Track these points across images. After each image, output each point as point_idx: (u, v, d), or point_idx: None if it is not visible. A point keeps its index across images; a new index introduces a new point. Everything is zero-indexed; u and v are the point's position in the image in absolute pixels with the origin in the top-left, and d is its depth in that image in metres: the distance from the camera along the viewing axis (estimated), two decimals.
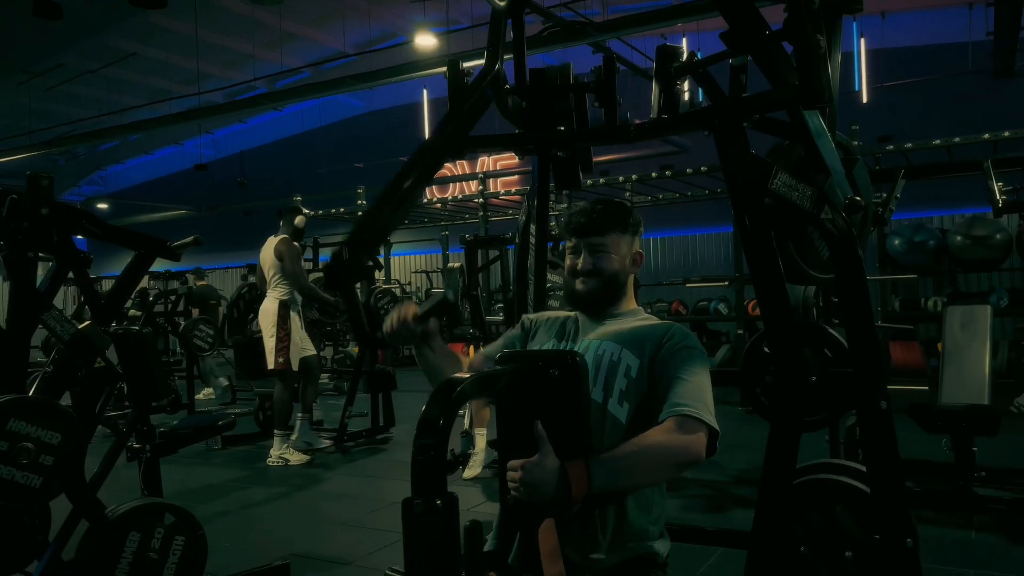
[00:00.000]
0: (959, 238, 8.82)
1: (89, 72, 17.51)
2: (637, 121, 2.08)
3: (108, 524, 2.74)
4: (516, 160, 16.61)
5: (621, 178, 8.66)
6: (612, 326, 1.83)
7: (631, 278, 1.91)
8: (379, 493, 5.01)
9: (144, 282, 17.73)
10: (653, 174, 8.46)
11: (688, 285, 9.49)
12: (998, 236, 8.65)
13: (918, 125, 10.68)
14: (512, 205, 11.01)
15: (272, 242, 6.09)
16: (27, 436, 2.50)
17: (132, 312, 9.50)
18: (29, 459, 2.51)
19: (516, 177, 15.48)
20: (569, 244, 1.88)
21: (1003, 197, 3.67)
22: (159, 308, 10.38)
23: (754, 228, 1.89)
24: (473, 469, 5.07)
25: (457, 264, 5.77)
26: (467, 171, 17.87)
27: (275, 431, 5.92)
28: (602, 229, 1.83)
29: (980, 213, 9.39)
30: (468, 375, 1.39)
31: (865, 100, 11.31)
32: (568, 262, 1.89)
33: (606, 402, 1.69)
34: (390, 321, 1.73)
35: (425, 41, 9.50)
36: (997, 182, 3.71)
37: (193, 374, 8.23)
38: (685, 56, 2.01)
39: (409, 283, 16.01)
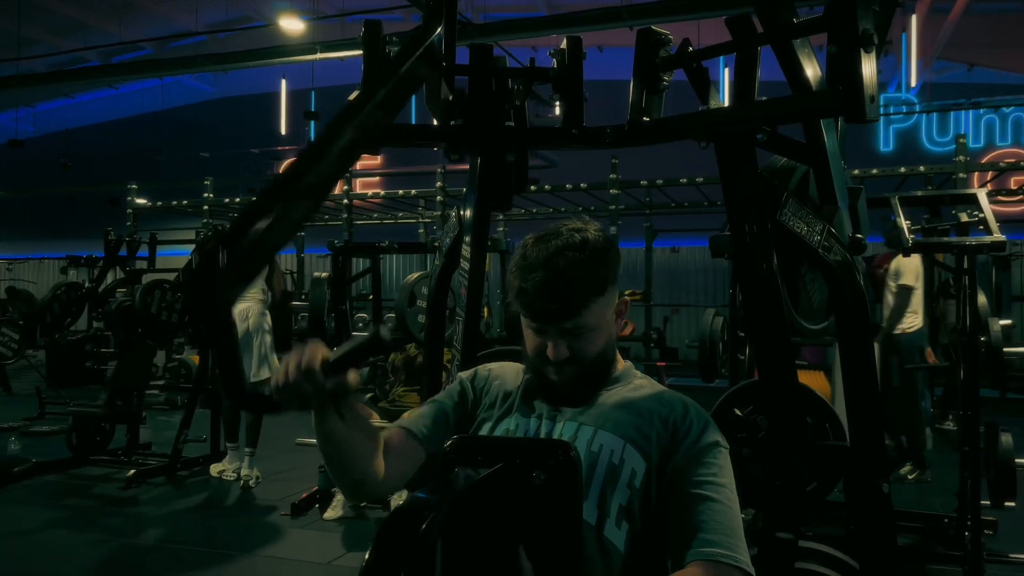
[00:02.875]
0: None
1: None
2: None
3: None
4: (378, 161, 15.89)
5: None
6: (603, 399, 1.34)
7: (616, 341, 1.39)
8: (210, 537, 4.27)
9: None
10: (532, 187, 8.13)
11: None
12: None
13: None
14: (376, 209, 10.35)
15: None
16: None
17: None
18: None
19: (377, 179, 14.79)
20: (526, 321, 1.33)
21: (912, 236, 3.57)
22: None
23: (759, 264, 1.50)
24: (335, 509, 4.45)
25: (324, 274, 5.13)
26: None
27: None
28: (577, 308, 1.26)
29: None
30: (421, 497, 0.88)
31: None
32: (529, 340, 1.33)
33: (601, 524, 1.20)
34: (283, 371, 1.07)
35: (291, 25, 8.68)
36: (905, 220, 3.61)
37: None
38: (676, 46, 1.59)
39: None
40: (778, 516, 1.55)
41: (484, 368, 1.48)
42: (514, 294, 1.29)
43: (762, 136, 1.44)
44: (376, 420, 4.70)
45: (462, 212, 1.70)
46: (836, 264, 1.60)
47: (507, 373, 1.45)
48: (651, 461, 1.25)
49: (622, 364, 1.41)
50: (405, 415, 1.40)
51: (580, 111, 1.64)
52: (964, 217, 3.65)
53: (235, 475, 5.40)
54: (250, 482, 5.24)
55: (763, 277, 1.51)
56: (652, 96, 1.59)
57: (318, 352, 1.07)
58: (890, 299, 5.09)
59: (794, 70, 1.44)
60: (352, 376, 1.10)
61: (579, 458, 1.09)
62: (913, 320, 5.08)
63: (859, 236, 1.70)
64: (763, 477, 1.61)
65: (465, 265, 1.67)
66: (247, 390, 1.22)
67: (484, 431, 1.36)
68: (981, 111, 13.51)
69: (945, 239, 3.81)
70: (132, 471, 5.35)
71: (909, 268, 4.98)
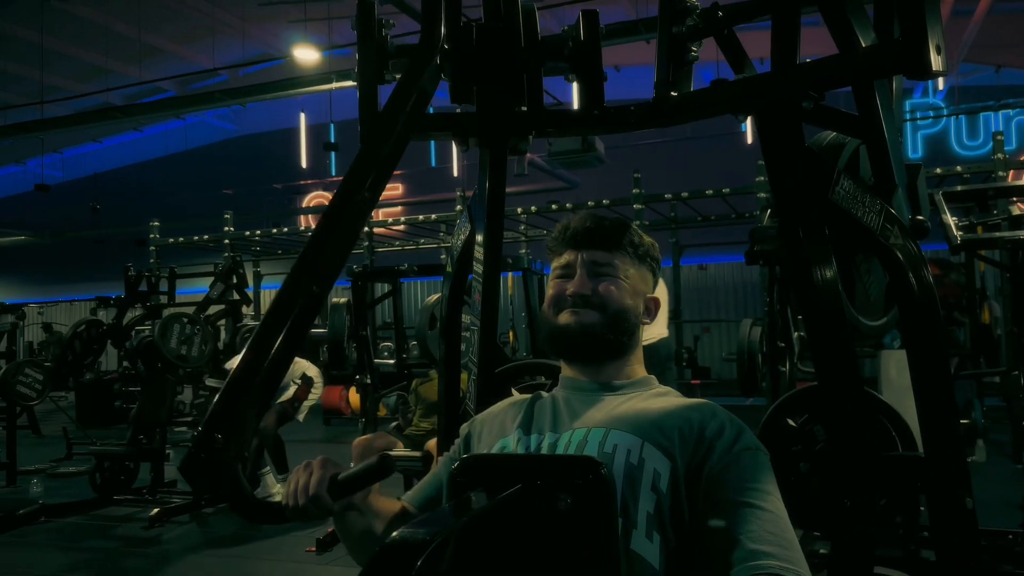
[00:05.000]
0: None
1: None
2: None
3: None
4: (400, 191, 15.89)
5: (519, 210, 8.14)
6: (617, 403, 1.19)
7: (640, 331, 1.29)
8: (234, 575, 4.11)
9: None
10: (554, 206, 8.00)
11: None
12: None
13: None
14: (399, 236, 10.25)
15: None
16: None
17: None
18: None
19: (399, 208, 14.75)
20: (558, 262, 1.29)
21: (960, 233, 3.35)
22: None
23: (813, 250, 1.31)
24: None
25: (343, 300, 5.00)
26: None
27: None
28: (611, 243, 1.26)
29: None
30: (410, 530, 0.71)
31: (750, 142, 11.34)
32: (552, 288, 1.28)
33: (627, 535, 1.01)
34: (291, 491, 1.06)
35: (306, 56, 8.67)
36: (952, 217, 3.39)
37: (16, 426, 6.89)
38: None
39: None
40: (849, 540, 1.34)
41: (480, 414, 1.37)
42: (553, 242, 1.31)
43: (808, 104, 1.26)
44: (401, 449, 4.53)
45: (471, 209, 1.53)
46: (898, 249, 1.41)
47: (503, 405, 1.33)
48: (675, 461, 1.07)
49: (643, 370, 1.29)
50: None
51: (600, 91, 1.47)
52: (1016, 210, 3.42)
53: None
54: None
55: (818, 262, 1.32)
56: (679, 69, 1.43)
57: (325, 473, 1.05)
58: None
59: (843, 29, 1.27)
60: (360, 497, 1.09)
61: (612, 477, 0.91)
62: (652, 331, 5.01)
63: (920, 218, 1.50)
64: (826, 495, 1.41)
65: (478, 268, 1.50)
66: (252, 501, 1.25)
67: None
68: (1012, 112, 13.18)
69: (996, 234, 3.57)
70: (155, 510, 5.22)
71: None
